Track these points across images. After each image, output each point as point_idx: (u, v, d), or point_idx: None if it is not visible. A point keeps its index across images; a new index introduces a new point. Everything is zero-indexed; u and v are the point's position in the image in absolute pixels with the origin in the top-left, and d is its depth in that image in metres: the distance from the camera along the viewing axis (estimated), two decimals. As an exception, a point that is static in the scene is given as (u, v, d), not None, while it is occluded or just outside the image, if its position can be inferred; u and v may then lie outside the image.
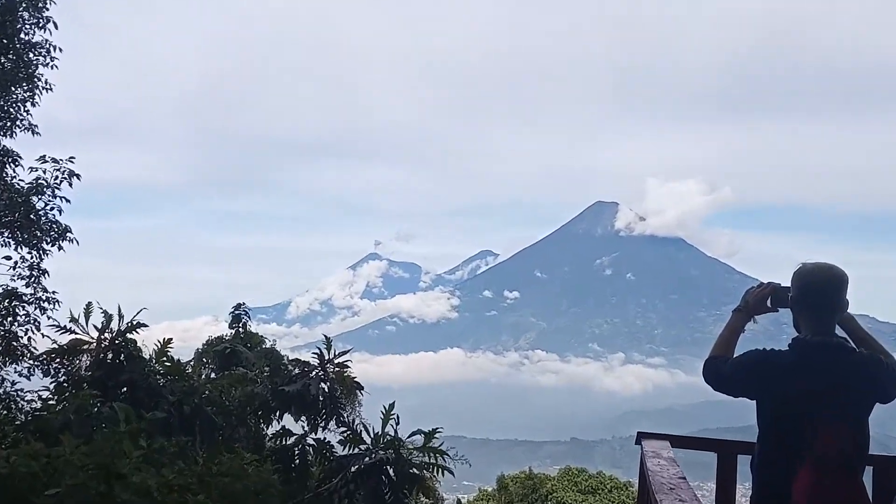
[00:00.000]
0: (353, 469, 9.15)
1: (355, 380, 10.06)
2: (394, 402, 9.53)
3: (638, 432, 5.87)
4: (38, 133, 10.59)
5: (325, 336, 10.79)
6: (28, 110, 10.51)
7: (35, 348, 9.84)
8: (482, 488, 21.49)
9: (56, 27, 10.44)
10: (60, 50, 10.47)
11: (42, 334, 9.79)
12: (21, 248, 10.21)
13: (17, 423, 7.89)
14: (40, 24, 10.41)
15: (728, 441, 5.41)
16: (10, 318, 9.95)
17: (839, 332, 3.35)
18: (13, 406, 9.09)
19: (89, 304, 9.10)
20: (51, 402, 8.09)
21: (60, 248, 10.30)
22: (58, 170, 10.09)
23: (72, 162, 10.15)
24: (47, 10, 10.42)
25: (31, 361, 9.70)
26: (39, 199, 10.14)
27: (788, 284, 3.43)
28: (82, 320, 9.02)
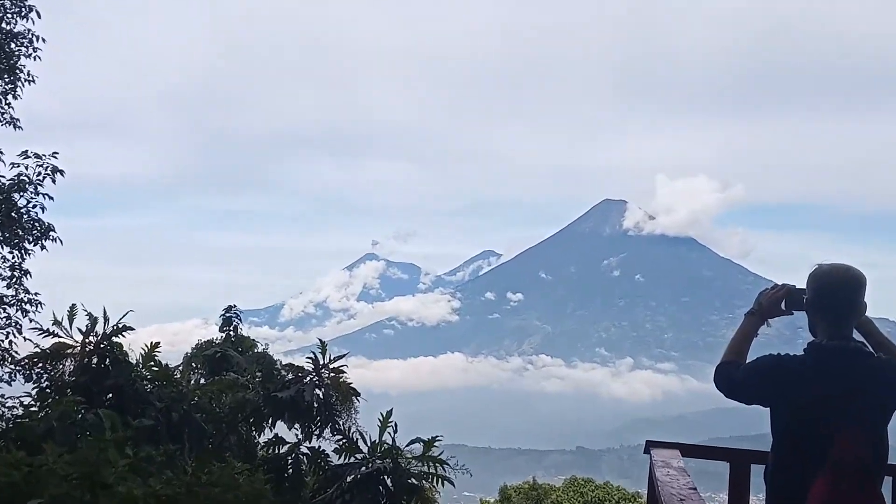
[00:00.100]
0: (348, 479, 9.15)
1: (351, 386, 10.05)
2: (391, 410, 9.53)
3: (647, 441, 5.87)
4: (20, 127, 10.59)
5: (319, 340, 10.78)
6: (9, 103, 10.51)
7: (16, 352, 9.85)
8: (484, 499, 21.50)
9: (39, 16, 10.43)
10: (44, 40, 10.46)
11: (24, 338, 9.80)
12: (2, 248, 10.21)
13: (-2, 430, 7.89)
14: (22, 14, 10.39)
15: (741, 450, 5.41)
16: (-10, 321, 9.96)
17: (857, 336, 3.35)
18: (-6, 413, 9.09)
19: (73, 306, 9.11)
20: (33, 409, 8.09)
21: (43, 247, 10.30)
22: (41, 165, 10.09)
23: (55, 157, 10.16)
24: (30, -2, 10.41)
25: (12, 366, 9.69)
26: (21, 196, 10.14)
27: (804, 286, 3.43)
28: (66, 323, 9.02)
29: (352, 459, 9.39)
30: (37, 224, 10.21)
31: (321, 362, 10.06)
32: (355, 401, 10.14)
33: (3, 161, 10.39)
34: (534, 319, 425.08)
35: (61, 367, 8.99)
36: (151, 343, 9.27)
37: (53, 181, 10.16)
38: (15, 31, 10.44)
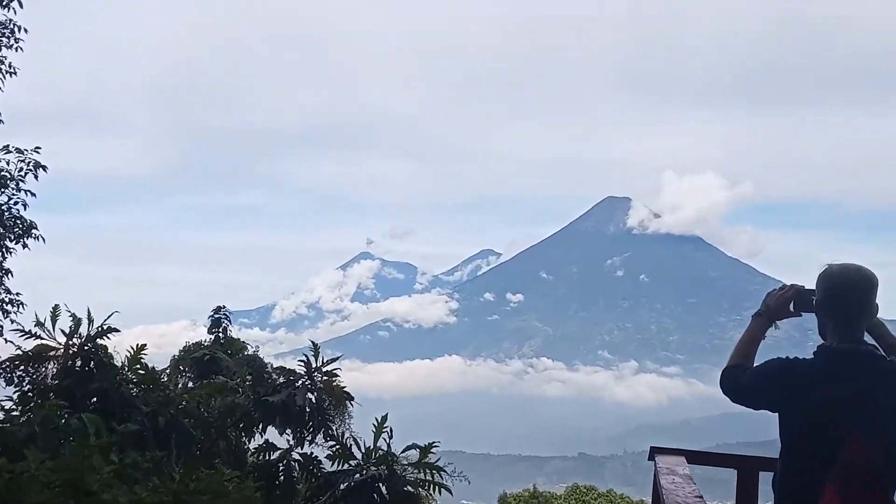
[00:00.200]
0: (342, 486, 9.16)
1: (345, 390, 10.05)
2: (387, 414, 9.54)
3: (651, 447, 5.89)
4: (0, 121, 10.58)
5: (312, 342, 10.78)
6: (-10, 96, 10.48)
7: (-3, 355, 9.83)
8: (482, 507, 21.52)
9: (21, 5, 10.38)
10: (26, 31, 10.41)
11: (5, 339, 9.79)
12: (-18, 246, 10.19)
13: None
14: (3, 3, 10.35)
15: (749, 457, 5.43)
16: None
17: (868, 338, 3.36)
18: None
19: (56, 306, 9.10)
20: (14, 414, 8.08)
21: (25, 245, 10.29)
22: (22, 161, 10.08)
23: (37, 152, 10.15)
24: (11, -14, 10.35)
25: (-8, 369, 9.68)
26: (2, 192, 10.13)
27: (813, 287, 3.44)
28: (49, 324, 9.02)
29: (345, 466, 9.40)
30: (18, 221, 10.19)
31: (314, 365, 10.06)
32: (349, 405, 10.14)
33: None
34: (534, 321, 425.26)
35: (44, 369, 8.98)
36: (137, 345, 9.26)
37: (36, 177, 10.15)
38: (-5, 20, 10.40)
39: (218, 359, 11.82)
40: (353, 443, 9.48)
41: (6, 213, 10.16)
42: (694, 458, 5.72)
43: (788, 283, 3.60)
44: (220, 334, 13.04)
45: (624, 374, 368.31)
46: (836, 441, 3.17)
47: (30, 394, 8.67)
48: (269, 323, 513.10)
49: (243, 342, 13.24)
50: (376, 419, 9.40)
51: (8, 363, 9.20)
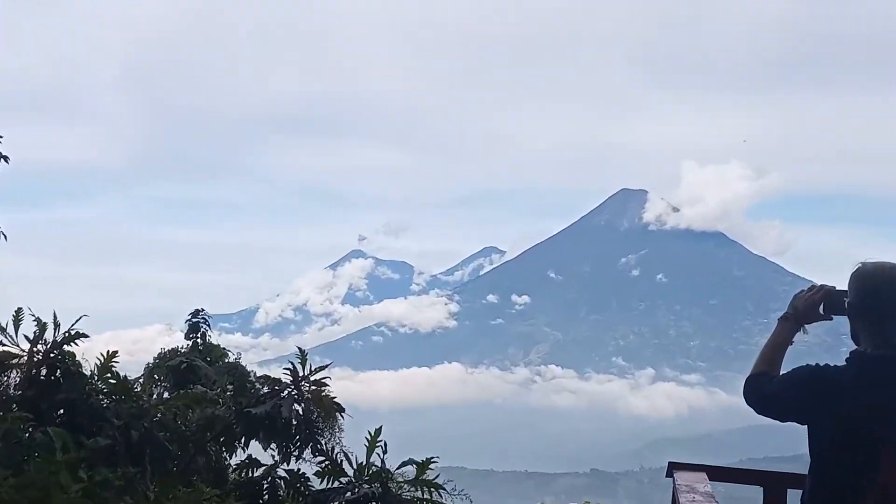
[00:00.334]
0: (332, 506, 9.17)
1: (335, 400, 10.04)
2: (380, 427, 9.54)
3: (669, 462, 5.91)
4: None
5: (299, 348, 10.77)
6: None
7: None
8: (486, 529, 21.56)
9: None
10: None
11: (-37, 346, 9.77)
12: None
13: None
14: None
15: (776, 473, 5.44)
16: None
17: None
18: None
19: (19, 310, 9.09)
20: (-27, 427, 8.08)
21: (-16, 243, 10.28)
22: (-20, 151, 10.06)
23: (-3, 142, 10.14)
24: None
25: (-51, 378, 9.68)
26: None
27: (845, 287, 3.44)
28: (10, 330, 9.01)
29: (336, 484, 9.40)
30: (-24, 217, 10.18)
31: (301, 373, 10.05)
32: (340, 417, 10.13)
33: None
34: (542, 325, 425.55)
35: (6, 379, 8.98)
36: (108, 352, 9.25)
37: (-5, 169, 10.13)
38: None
39: (196, 367, 11.81)
40: (343, 458, 9.48)
41: (-36, 208, 10.15)
42: (716, 474, 5.74)
43: (818, 284, 3.61)
44: (199, 340, 13.03)
45: (640, 383, 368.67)
46: (870, 455, 3.17)
47: (-9, 405, 8.68)
48: (252, 327, 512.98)
49: (224, 348, 13.22)
50: (369, 432, 9.39)
51: (-34, 372, 9.20)
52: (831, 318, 3.55)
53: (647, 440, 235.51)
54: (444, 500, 9.46)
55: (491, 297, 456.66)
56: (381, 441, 9.87)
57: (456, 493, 9.64)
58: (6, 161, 10.28)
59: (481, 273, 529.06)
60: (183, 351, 12.86)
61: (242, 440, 10.31)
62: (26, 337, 9.10)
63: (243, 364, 13.14)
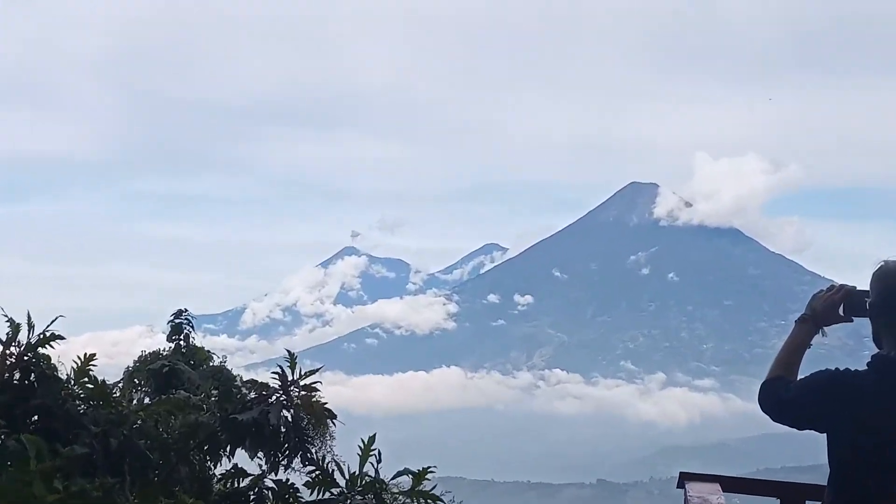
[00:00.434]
0: (322, 518, 9.18)
1: (326, 406, 10.05)
2: (374, 435, 9.53)
3: (681, 473, 5.92)
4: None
5: (288, 351, 10.78)
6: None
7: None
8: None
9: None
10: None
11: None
12: None
13: None
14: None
15: (793, 484, 5.45)
16: None
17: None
18: None
19: (-9, 310, 9.10)
20: (-58, 434, 8.08)
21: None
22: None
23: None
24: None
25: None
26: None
27: (867, 287, 3.45)
28: (-18, 331, 9.03)
29: (327, 495, 9.41)
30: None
31: (290, 378, 10.05)
32: (331, 424, 10.14)
33: None
34: (546, 327, 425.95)
35: (-24, 383, 8.99)
36: (86, 355, 9.24)
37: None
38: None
39: (179, 370, 11.82)
40: (335, 468, 9.48)
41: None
42: (730, 485, 5.75)
43: (838, 283, 3.61)
44: (182, 342, 13.03)
45: (650, 389, 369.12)
46: (894, 464, 3.17)
47: (-39, 411, 8.68)
48: (239, 329, 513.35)
49: (208, 351, 13.22)
50: (362, 440, 9.39)
51: (-65, 376, 9.20)
52: (852, 320, 3.55)
53: (657, 449, 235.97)
54: (441, 513, 9.50)
55: (492, 297, 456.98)
56: (374, 449, 9.86)
57: (454, 504, 9.68)
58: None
59: (482, 272, 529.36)
60: (165, 354, 12.86)
61: (228, 449, 10.31)
62: (-1, 339, 9.12)
63: (229, 368, 13.14)
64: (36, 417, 8.92)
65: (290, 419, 10.29)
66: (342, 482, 9.79)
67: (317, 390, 10.68)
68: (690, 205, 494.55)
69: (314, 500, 9.92)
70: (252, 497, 10.09)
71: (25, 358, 9.13)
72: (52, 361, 9.20)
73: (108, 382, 10.02)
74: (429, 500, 9.65)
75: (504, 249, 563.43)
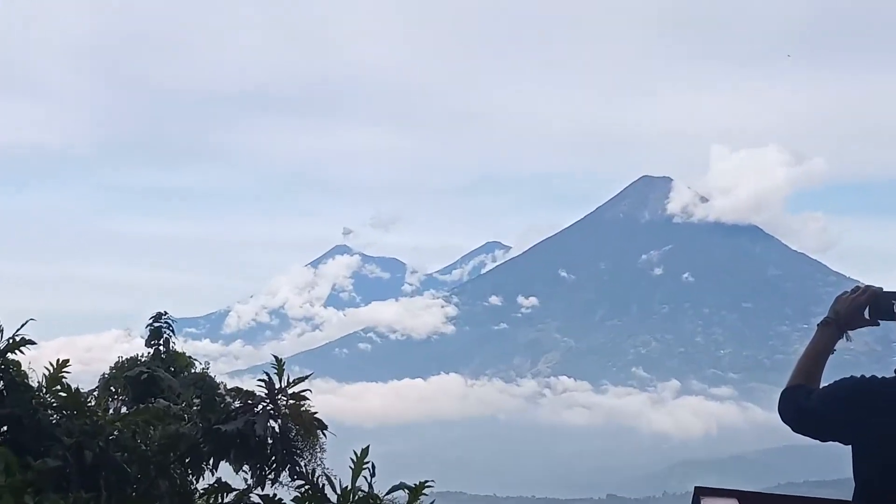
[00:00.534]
0: (312, 536, 9.18)
1: (316, 416, 10.06)
2: (368, 447, 9.54)
3: (696, 488, 5.92)
4: None
5: (275, 357, 10.78)
6: None
7: None
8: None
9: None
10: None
11: None
12: None
13: None
14: None
15: (817, 499, 5.46)
16: None
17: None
18: None
19: (-44, 313, 9.10)
20: None
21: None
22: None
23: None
24: None
25: None
26: None
27: (894, 289, 3.45)
28: (-53, 336, 9.01)
29: (317, 511, 9.42)
30: None
31: (277, 386, 10.06)
32: (321, 435, 10.14)
33: None
34: (552, 331, 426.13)
35: (-59, 392, 8.99)
36: (58, 361, 9.25)
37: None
38: None
39: (158, 378, 11.82)
40: (326, 482, 9.48)
41: None
42: (749, 500, 5.75)
43: (864, 284, 3.61)
44: (161, 347, 13.04)
45: (663, 397, 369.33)
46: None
47: (-76, 422, 8.68)
48: (222, 333, 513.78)
49: (190, 357, 13.21)
50: (355, 453, 9.38)
51: None
52: (878, 324, 3.54)
53: (670, 462, 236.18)
54: (439, 530, 9.52)
55: (494, 299, 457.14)
56: (368, 462, 9.86)
57: (453, 521, 9.69)
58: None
59: (483, 272, 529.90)
60: (143, 360, 12.85)
61: (211, 462, 10.31)
62: (-36, 344, 9.11)
63: (212, 375, 13.14)
64: (5, 428, 8.91)
65: (277, 430, 10.28)
66: (333, 497, 9.78)
67: (306, 399, 10.66)
68: (706, 200, 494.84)
69: (303, 517, 9.89)
70: (237, 513, 10.07)
71: (-6, 364, 9.11)
72: (23, 368, 9.20)
73: (82, 391, 10.01)
74: (426, 517, 9.63)
75: (507, 248, 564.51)
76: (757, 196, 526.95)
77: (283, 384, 10.60)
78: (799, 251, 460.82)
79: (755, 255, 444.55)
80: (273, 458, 10.13)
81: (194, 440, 10.15)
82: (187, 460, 10.27)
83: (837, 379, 3.40)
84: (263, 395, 10.44)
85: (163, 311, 13.57)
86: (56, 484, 7.61)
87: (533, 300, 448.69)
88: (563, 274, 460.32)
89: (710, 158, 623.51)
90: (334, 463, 10.09)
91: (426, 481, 9.53)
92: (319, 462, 10.34)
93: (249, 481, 10.25)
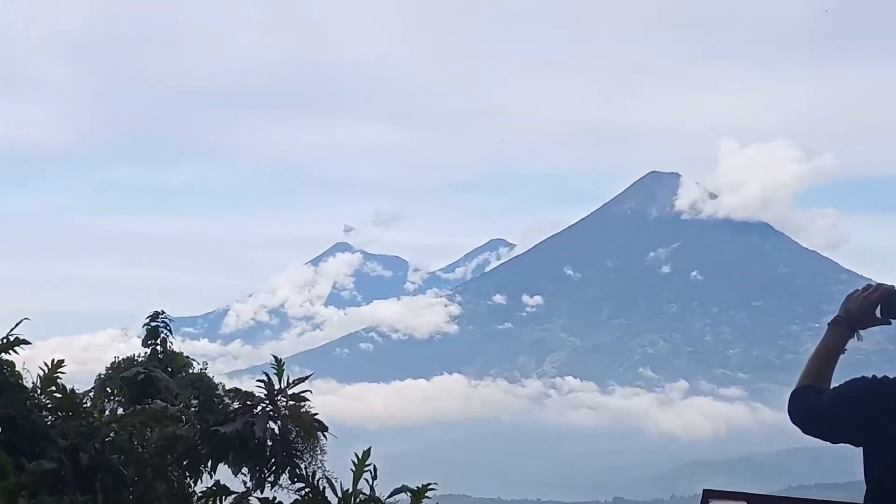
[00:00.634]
0: (313, 539, 9.18)
1: (317, 417, 10.05)
2: (370, 448, 9.53)
3: (704, 490, 5.92)
4: None
5: (274, 357, 10.78)
6: None
7: None
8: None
9: None
10: None
11: None
12: None
13: None
14: None
15: (828, 502, 5.46)
16: None
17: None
18: None
19: (-50, 312, 9.11)
20: None
21: None
22: None
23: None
24: None
25: None
26: None
27: (907, 287, 3.44)
28: (-60, 335, 9.03)
29: (317, 514, 9.41)
30: None
31: (277, 386, 10.06)
32: (322, 437, 10.14)
33: None
34: (557, 330, 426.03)
35: (-66, 393, 9.00)
36: (53, 361, 9.25)
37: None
38: None
39: (155, 378, 11.82)
40: (326, 485, 9.48)
41: None
42: (758, 503, 5.75)
43: (876, 282, 3.60)
44: (159, 347, 13.04)
45: (671, 398, 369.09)
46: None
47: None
48: (221, 333, 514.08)
49: (188, 357, 13.20)
50: (356, 455, 9.37)
51: None
52: (890, 323, 3.54)
53: (678, 464, 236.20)
54: (443, 533, 9.50)
55: (498, 298, 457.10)
56: (370, 465, 9.84)
57: (457, 524, 9.69)
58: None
59: (487, 270, 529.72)
60: (140, 360, 12.85)
61: (209, 463, 10.30)
62: (-42, 344, 9.12)
63: (210, 375, 13.13)
64: (-1, 430, 8.91)
65: (276, 431, 10.28)
66: (334, 501, 9.77)
67: (306, 400, 10.65)
68: (715, 196, 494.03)
69: (303, 520, 9.89)
70: (236, 516, 10.07)
71: (-13, 365, 9.12)
72: (17, 368, 9.21)
73: (77, 391, 10.02)
74: (429, 520, 9.62)
75: (511, 245, 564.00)
76: (766, 192, 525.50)
77: (283, 385, 10.59)
78: (809, 248, 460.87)
79: (765, 252, 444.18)
80: (273, 460, 10.13)
81: (192, 442, 10.15)
82: (185, 462, 10.27)
83: (848, 379, 3.40)
84: (263, 395, 10.43)
85: (160, 311, 13.55)
86: (51, 486, 7.61)
87: (538, 299, 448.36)
88: (569, 272, 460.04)
89: (719, 154, 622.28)
90: (335, 465, 10.09)
91: (429, 484, 9.53)
92: (320, 464, 10.34)
93: (248, 484, 10.25)
